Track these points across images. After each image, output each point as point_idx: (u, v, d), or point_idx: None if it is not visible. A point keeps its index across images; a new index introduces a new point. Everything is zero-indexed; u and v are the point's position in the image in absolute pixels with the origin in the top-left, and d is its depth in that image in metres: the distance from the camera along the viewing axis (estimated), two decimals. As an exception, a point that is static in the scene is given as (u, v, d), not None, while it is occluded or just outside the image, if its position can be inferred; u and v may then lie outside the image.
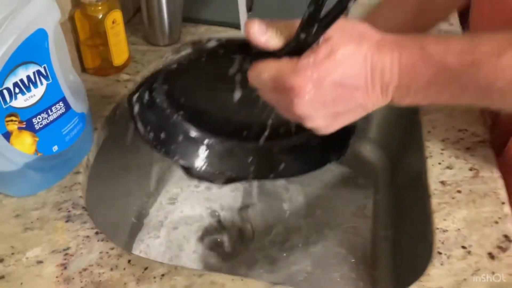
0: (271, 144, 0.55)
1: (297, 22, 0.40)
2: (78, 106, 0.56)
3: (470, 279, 0.47)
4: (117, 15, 0.70)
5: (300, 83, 0.40)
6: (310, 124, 0.44)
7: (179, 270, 0.48)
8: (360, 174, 0.86)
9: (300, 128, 0.46)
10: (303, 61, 0.40)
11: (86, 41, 0.71)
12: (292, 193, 0.84)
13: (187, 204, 0.81)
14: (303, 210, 0.81)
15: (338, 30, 0.41)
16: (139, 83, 0.47)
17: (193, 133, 0.56)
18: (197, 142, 0.56)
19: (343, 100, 0.42)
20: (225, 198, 0.82)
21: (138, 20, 0.86)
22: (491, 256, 0.49)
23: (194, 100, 0.53)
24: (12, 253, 0.49)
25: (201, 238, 0.78)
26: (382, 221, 0.78)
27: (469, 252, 0.49)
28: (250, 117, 0.52)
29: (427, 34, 0.43)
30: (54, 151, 0.54)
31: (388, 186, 0.82)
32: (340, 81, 0.41)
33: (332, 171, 0.87)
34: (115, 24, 0.70)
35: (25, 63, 0.48)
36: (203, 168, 0.57)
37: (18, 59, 0.47)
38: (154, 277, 0.47)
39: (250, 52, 0.41)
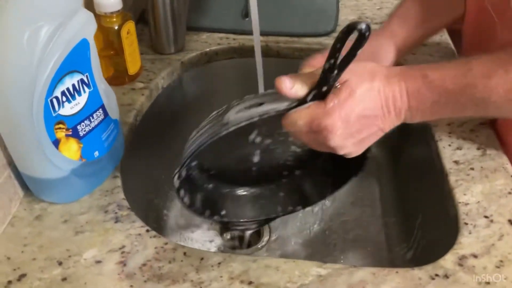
0: (291, 179, 0.62)
1: (317, 72, 0.47)
2: (113, 112, 0.59)
3: (497, 244, 0.52)
4: (131, 26, 0.72)
5: (332, 122, 0.47)
6: (342, 152, 0.51)
7: (233, 258, 0.51)
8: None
9: (312, 156, 0.55)
10: (330, 104, 0.47)
11: (99, 52, 0.73)
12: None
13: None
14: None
15: (352, 73, 0.48)
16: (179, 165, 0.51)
17: (224, 190, 0.61)
18: (227, 197, 0.62)
19: (367, 128, 0.50)
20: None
21: (139, 31, 0.88)
22: (511, 222, 0.54)
23: (220, 166, 0.58)
24: (69, 256, 0.51)
25: (220, 236, 0.81)
26: (389, 208, 0.83)
27: (491, 221, 0.55)
28: (268, 163, 0.58)
29: (425, 64, 0.52)
30: (95, 156, 0.56)
31: (392, 176, 0.87)
32: (362, 114, 0.49)
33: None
34: (129, 35, 0.73)
35: (71, 72, 0.50)
36: (238, 219, 0.62)
37: (65, 68, 0.49)
38: (212, 266, 0.50)
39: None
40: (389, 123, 0.51)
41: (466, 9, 0.68)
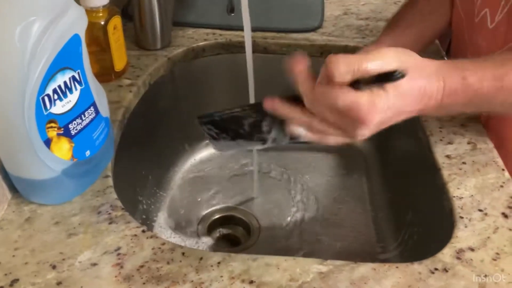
0: None
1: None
2: (103, 110, 0.57)
3: (493, 237, 0.53)
4: (117, 21, 0.71)
5: (372, 119, 0.43)
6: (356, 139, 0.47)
7: (233, 257, 0.50)
8: (351, 162, 0.91)
9: None
10: (377, 99, 0.42)
11: (85, 48, 0.71)
12: (290, 184, 0.88)
13: (194, 204, 0.82)
14: (306, 199, 0.85)
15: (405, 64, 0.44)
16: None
17: None
18: None
19: (393, 121, 0.46)
20: (229, 192, 0.85)
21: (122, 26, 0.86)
22: (505, 215, 0.55)
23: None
24: (63, 259, 0.49)
25: (209, 232, 0.80)
26: (378, 203, 0.83)
27: (486, 214, 0.55)
28: None
29: (465, 60, 0.49)
30: (87, 156, 0.55)
31: (379, 171, 0.87)
32: (400, 110, 0.45)
33: (322, 159, 0.92)
34: (115, 30, 0.71)
35: (63, 69, 0.49)
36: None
37: (57, 65, 0.48)
38: (211, 265, 0.49)
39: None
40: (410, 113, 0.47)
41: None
